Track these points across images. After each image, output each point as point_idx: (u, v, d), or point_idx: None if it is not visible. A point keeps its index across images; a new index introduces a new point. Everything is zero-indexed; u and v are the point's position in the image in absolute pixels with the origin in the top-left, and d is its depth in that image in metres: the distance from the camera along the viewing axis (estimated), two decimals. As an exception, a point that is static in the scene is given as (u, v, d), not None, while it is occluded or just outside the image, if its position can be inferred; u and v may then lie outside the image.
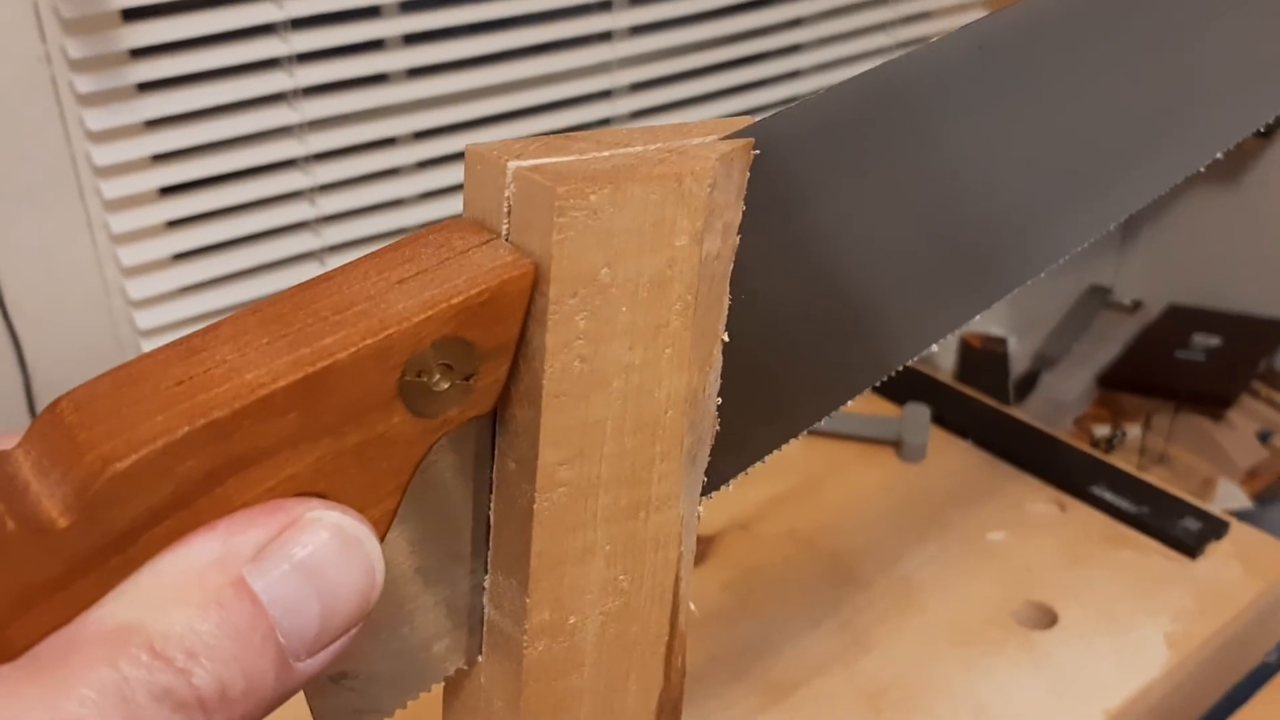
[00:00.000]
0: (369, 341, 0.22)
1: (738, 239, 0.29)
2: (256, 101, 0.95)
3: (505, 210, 0.25)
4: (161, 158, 0.93)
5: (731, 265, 0.29)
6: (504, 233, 0.25)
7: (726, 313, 0.30)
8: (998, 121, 0.36)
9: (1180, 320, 1.69)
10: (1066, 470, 0.76)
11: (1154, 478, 0.76)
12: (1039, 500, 0.75)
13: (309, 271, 1.02)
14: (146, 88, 0.91)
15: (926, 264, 0.36)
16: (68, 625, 0.20)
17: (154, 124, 0.92)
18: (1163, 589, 0.67)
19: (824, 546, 0.72)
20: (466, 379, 0.24)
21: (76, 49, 0.85)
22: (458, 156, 1.08)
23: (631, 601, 0.29)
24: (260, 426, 0.21)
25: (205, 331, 0.23)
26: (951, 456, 0.79)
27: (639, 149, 0.27)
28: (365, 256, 0.25)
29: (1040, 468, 0.76)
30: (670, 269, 0.26)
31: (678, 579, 0.30)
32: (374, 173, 1.03)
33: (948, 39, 0.35)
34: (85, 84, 0.86)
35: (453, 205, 1.08)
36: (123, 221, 0.92)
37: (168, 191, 0.95)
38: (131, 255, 0.93)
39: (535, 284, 0.25)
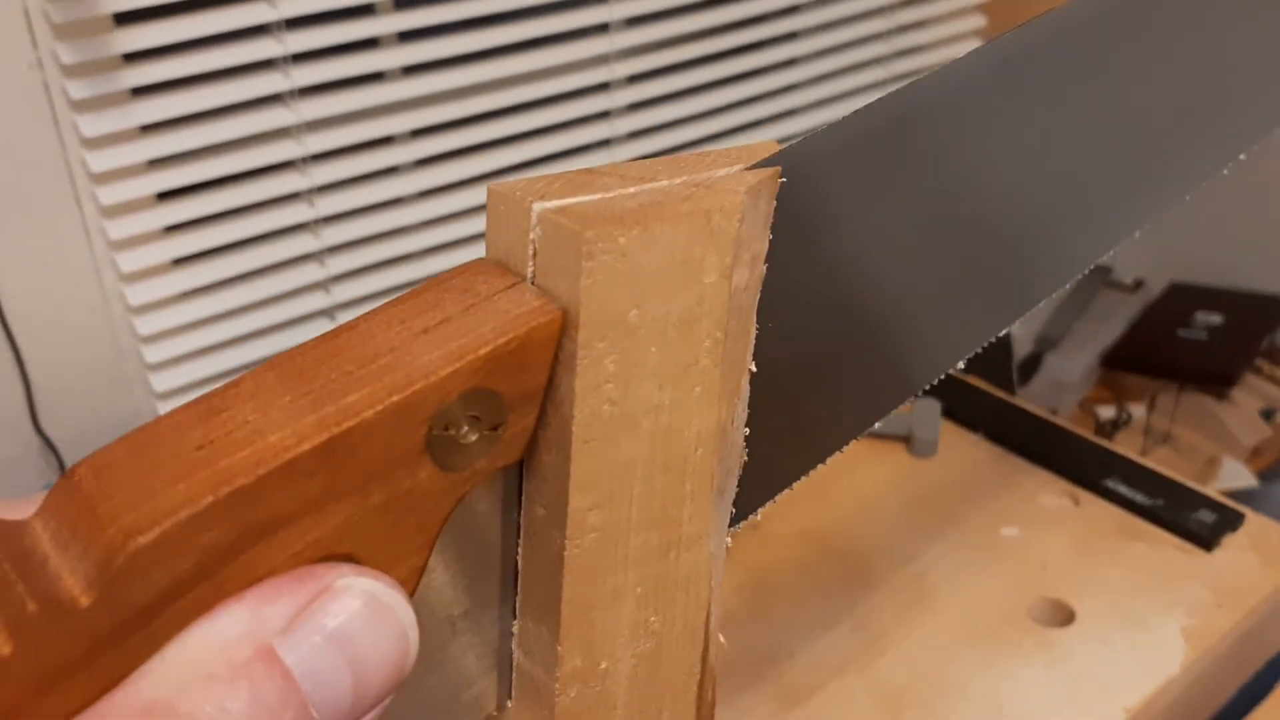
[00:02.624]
0: (395, 398, 0.22)
1: (764, 268, 0.28)
2: (252, 103, 0.94)
3: (530, 253, 0.24)
4: (158, 162, 0.92)
5: (758, 295, 0.28)
6: (529, 275, 0.25)
7: (753, 343, 0.29)
8: (1020, 136, 0.36)
9: (1182, 298, 1.68)
10: (1079, 463, 0.75)
11: (1160, 459, 0.75)
12: (1051, 494, 0.74)
13: (308, 273, 1.01)
14: (140, 92, 0.90)
15: (953, 281, 0.35)
16: (93, 706, 0.20)
17: (149, 129, 0.91)
18: (1179, 583, 0.67)
19: (836, 546, 0.72)
20: (494, 429, 0.24)
21: (68, 54, 0.84)
22: (455, 153, 1.07)
23: (663, 642, 0.29)
24: (285, 491, 0.21)
25: (225, 390, 0.22)
26: (963, 451, 0.79)
27: (664, 184, 0.26)
28: (387, 304, 0.24)
29: (1052, 460, 0.76)
30: (699, 307, 0.25)
31: (708, 615, 0.30)
32: (372, 172, 1.02)
33: (968, 58, 0.34)
34: (78, 89, 0.85)
35: (451, 202, 1.07)
36: (120, 227, 0.91)
37: (165, 196, 0.94)
38: (130, 261, 0.92)
39: (563, 329, 0.24)
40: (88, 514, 0.20)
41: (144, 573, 0.19)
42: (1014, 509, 0.73)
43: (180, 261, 0.97)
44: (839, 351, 0.33)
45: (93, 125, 0.87)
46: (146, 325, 0.95)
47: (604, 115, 1.15)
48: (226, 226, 0.96)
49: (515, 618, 0.28)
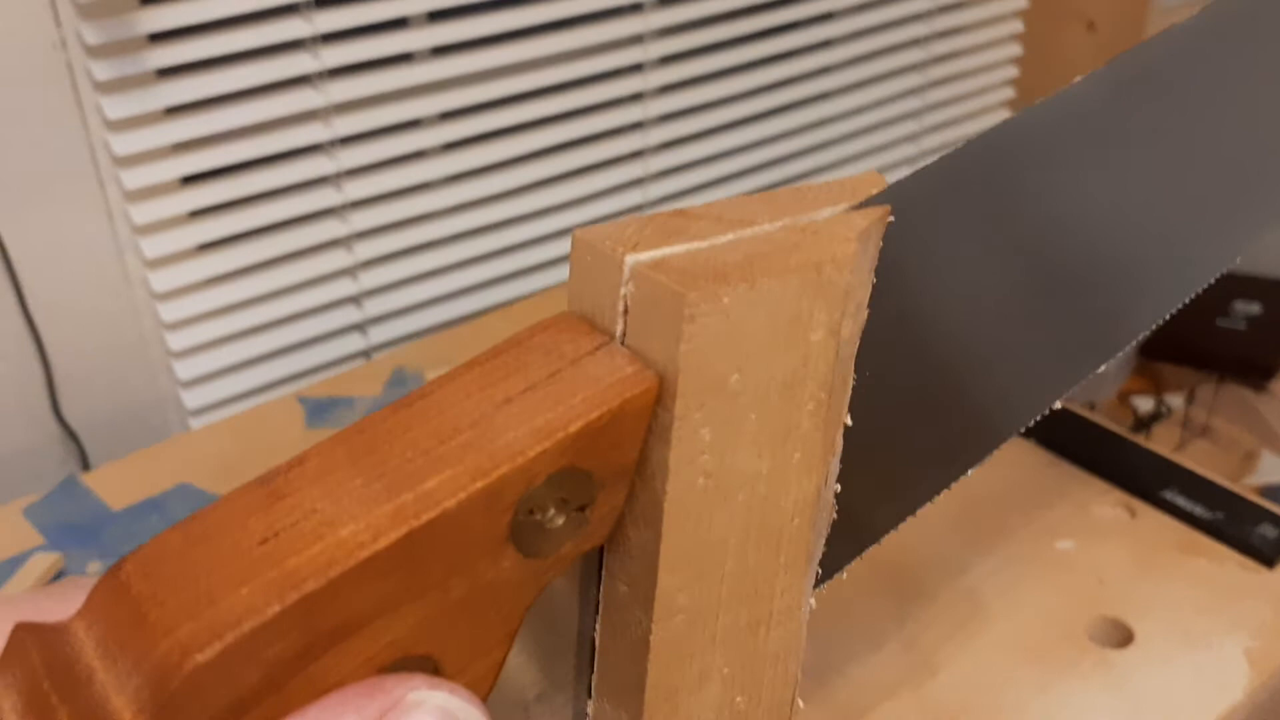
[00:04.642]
0: (479, 484, 0.19)
1: (866, 314, 0.26)
2: (280, 85, 0.91)
3: (621, 309, 0.22)
4: (183, 146, 0.90)
5: (858, 345, 0.26)
6: (619, 333, 0.22)
7: (849, 395, 0.26)
8: (1115, 173, 0.33)
9: (1220, 287, 1.64)
10: (1135, 472, 0.72)
11: (1198, 452, 0.73)
12: (1107, 504, 0.72)
13: (336, 259, 0.99)
14: (166, 73, 0.87)
15: (1045, 324, 0.33)
16: None
17: (174, 111, 0.88)
18: (1241, 602, 0.64)
19: (882, 558, 0.69)
20: (581, 509, 0.21)
21: (93, 34, 0.81)
22: (484, 137, 1.04)
23: (749, 722, 0.26)
24: (359, 594, 0.18)
25: (289, 469, 0.20)
26: (1012, 456, 0.76)
27: (765, 227, 0.23)
28: (464, 366, 0.21)
29: (1108, 469, 0.73)
30: (804, 367, 0.23)
31: (795, 689, 0.28)
32: (400, 156, 0.99)
33: (1064, 94, 0.32)
34: (103, 70, 0.83)
35: (480, 187, 1.04)
36: (144, 212, 0.89)
37: (190, 180, 0.92)
38: (154, 247, 0.90)
39: (658, 398, 0.21)
40: (138, 621, 0.18)
41: (202, 693, 0.17)
42: (1068, 520, 0.71)
43: (205, 247, 0.94)
44: (927, 400, 0.31)
45: (117, 107, 0.84)
46: (171, 312, 0.93)
47: (637, 97, 1.12)
48: (252, 211, 0.94)
49: (590, 698, 0.26)
